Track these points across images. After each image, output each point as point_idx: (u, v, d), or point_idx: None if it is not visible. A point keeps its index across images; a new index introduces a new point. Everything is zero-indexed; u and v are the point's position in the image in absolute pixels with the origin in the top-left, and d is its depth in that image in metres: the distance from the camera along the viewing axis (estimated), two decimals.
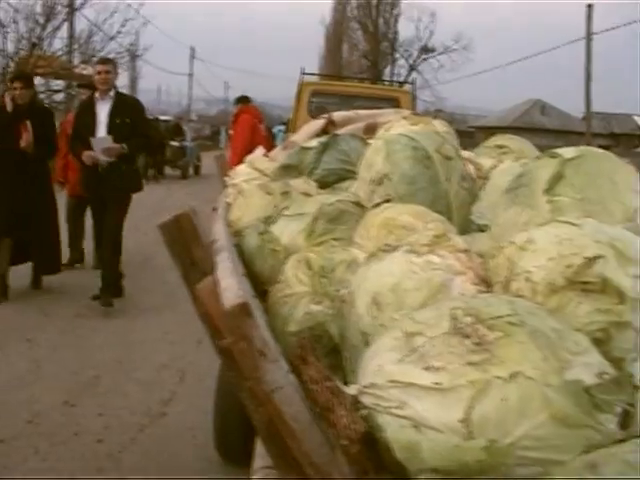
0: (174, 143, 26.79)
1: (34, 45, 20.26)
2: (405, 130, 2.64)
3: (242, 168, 3.60)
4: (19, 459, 4.37)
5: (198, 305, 1.67)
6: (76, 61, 22.55)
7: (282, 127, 24.82)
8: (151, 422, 5.02)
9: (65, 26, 22.40)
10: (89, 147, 7.62)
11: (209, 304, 1.52)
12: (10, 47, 20.06)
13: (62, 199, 9.49)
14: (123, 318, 7.39)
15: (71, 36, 23.15)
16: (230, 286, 1.52)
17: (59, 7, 21.19)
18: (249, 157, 4.40)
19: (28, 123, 7.74)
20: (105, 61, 8.54)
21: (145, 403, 5.29)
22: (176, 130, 28.52)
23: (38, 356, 6.11)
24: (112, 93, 7.86)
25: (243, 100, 12.88)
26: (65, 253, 8.99)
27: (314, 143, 3.25)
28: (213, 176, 23.96)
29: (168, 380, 5.79)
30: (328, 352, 1.88)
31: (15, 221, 7.76)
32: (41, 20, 20.36)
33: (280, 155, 3.83)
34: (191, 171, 29.01)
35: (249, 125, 12.23)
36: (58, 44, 21.86)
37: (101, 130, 7.72)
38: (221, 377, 3.95)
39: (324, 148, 3.14)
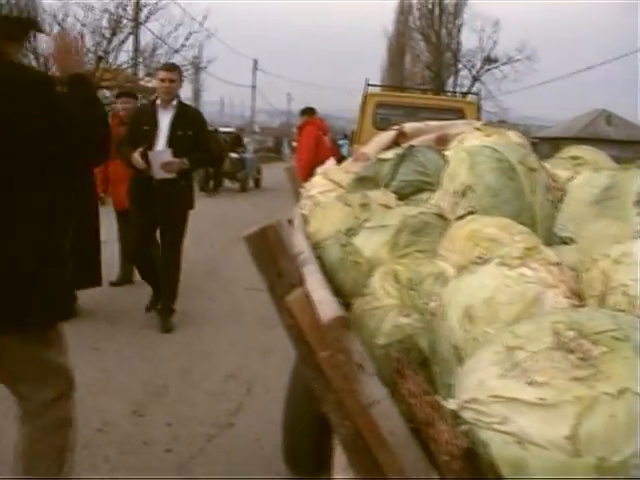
0: (234, 155, 26.10)
1: (100, 58, 20.68)
2: (488, 142, 2.61)
3: (317, 180, 3.59)
4: (89, 467, 4.40)
5: (287, 317, 1.66)
6: (141, 74, 22.95)
7: (345, 140, 24.88)
8: (219, 432, 5.04)
9: (130, 39, 22.83)
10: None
11: (300, 316, 1.52)
12: None
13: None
14: (189, 328, 7.43)
15: (136, 49, 23.58)
16: (325, 299, 1.52)
17: (125, 21, 21.66)
18: (321, 169, 4.41)
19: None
20: (170, 68, 7.66)
21: (213, 413, 5.32)
22: (236, 142, 27.90)
23: (107, 365, 6.18)
24: (175, 102, 7.30)
25: (308, 112, 12.96)
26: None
27: (390, 155, 3.24)
28: (275, 189, 24.12)
29: (235, 390, 5.82)
30: (417, 365, 1.86)
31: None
32: (107, 34, 20.85)
33: (352, 167, 3.82)
34: (251, 184, 28.08)
35: (313, 137, 12.33)
36: (123, 57, 22.37)
37: (161, 141, 7.14)
38: (291, 388, 3.93)
39: (400, 160, 3.12)
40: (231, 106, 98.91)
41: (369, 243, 2.39)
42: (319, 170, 4.48)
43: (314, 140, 12.27)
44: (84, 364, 6.17)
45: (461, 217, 2.36)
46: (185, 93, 29.71)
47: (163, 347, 6.79)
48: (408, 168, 3.09)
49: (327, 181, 3.44)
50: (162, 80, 7.23)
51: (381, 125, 13.27)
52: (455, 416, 1.37)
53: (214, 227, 14.46)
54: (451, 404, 1.39)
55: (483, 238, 2.10)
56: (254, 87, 64.30)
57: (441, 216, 2.49)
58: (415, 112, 13.28)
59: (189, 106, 8.14)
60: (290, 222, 3.22)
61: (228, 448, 4.82)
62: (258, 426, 5.10)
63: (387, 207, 2.74)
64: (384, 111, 13.82)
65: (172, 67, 7.75)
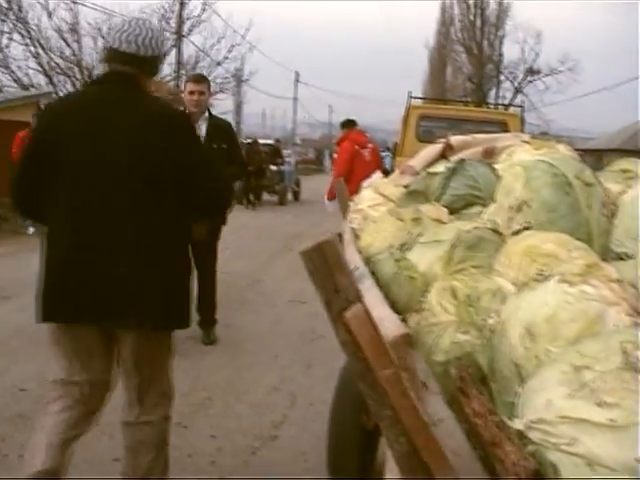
0: (272, 167, 25.87)
1: None
2: (543, 156, 2.59)
3: (366, 193, 3.58)
4: None
5: (343, 333, 1.66)
6: (183, 86, 23.13)
7: (387, 152, 24.79)
8: (263, 445, 5.03)
9: (173, 52, 23.07)
10: None
11: (359, 333, 1.51)
12: None
13: None
14: (232, 341, 7.44)
15: (179, 62, 23.81)
16: (386, 316, 1.51)
17: (168, 34, 21.85)
18: (368, 182, 4.40)
19: None
20: (199, 79, 7.34)
21: (257, 426, 5.32)
22: (275, 154, 27.54)
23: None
24: (206, 115, 7.01)
25: (348, 124, 12.97)
26: None
27: (440, 168, 3.22)
28: (315, 202, 24.04)
29: (279, 403, 5.81)
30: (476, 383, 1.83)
31: None
32: None
33: (399, 180, 3.81)
34: (290, 196, 27.58)
35: (349, 152, 12.37)
36: (166, 69, 22.58)
37: None
38: (336, 401, 3.91)
39: (451, 173, 3.10)
40: (273, 118, 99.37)
41: (423, 258, 2.38)
42: (365, 184, 4.48)
43: (349, 155, 12.34)
44: None
45: (517, 232, 2.34)
46: (227, 105, 29.85)
47: (207, 359, 6.81)
48: (459, 182, 3.07)
49: (376, 195, 3.43)
50: (191, 93, 6.89)
51: (424, 137, 13.25)
52: (521, 436, 1.35)
53: (256, 239, 14.53)
54: (517, 424, 1.37)
55: (540, 254, 2.07)
56: (296, 99, 64.63)
57: (496, 231, 2.47)
58: (458, 124, 13.25)
59: (220, 118, 7.80)
60: (340, 236, 3.21)
61: (272, 461, 4.81)
62: (302, 439, 5.09)
63: (439, 221, 2.72)
64: (427, 123, 13.80)
65: (201, 78, 7.53)
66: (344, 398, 3.76)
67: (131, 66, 3.45)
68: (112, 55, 3.46)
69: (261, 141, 29.91)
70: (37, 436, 3.47)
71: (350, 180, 12.74)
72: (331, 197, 12.57)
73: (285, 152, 30.59)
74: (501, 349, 1.72)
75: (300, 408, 5.73)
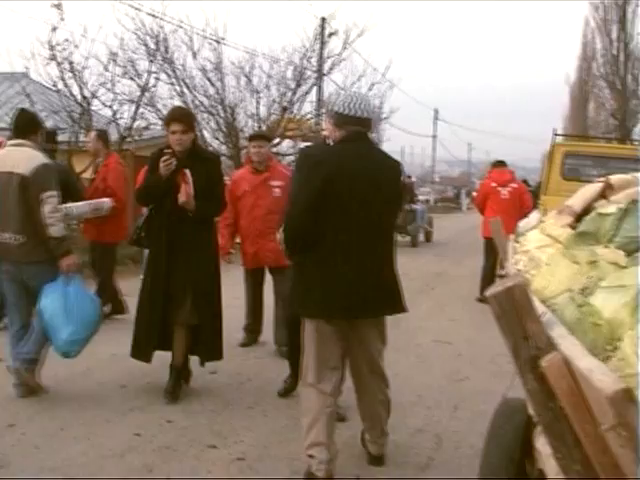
0: (404, 206, 24.94)
1: (285, 109, 21.34)
2: None
3: (533, 234, 3.49)
4: None
5: (533, 381, 1.59)
6: (324, 124, 23.38)
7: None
8: None
9: (314, 90, 23.39)
10: None
11: (556, 382, 1.44)
12: (263, 111, 21.29)
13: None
14: None
15: (319, 100, 24.11)
16: (596, 367, 1.43)
17: (309, 72, 22.19)
18: (524, 222, 4.30)
19: (187, 173, 6.44)
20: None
21: (401, 467, 5.26)
22: (407, 192, 26.72)
23: (296, 413, 6.22)
24: None
25: (495, 164, 13.19)
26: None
27: (612, 209, 3.09)
28: (448, 242, 23.78)
29: (424, 445, 5.72)
30: None
31: (164, 301, 6.48)
32: (292, 85, 21.45)
33: (558, 220, 3.69)
34: (421, 237, 25.88)
35: (482, 190, 13.23)
36: (307, 107, 22.91)
37: None
38: (491, 447, 3.76)
39: (624, 214, 2.97)
40: (411, 155, 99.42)
41: (608, 304, 2.26)
42: (521, 224, 4.38)
43: (482, 193, 13.10)
44: (273, 411, 6.27)
45: None
46: None
47: (350, 397, 6.76)
48: (632, 224, 2.93)
49: (543, 236, 3.33)
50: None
51: (569, 176, 12.93)
52: None
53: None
54: None
55: None
56: (435, 137, 64.50)
57: None
58: (604, 162, 12.88)
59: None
60: (502, 277, 3.13)
61: None
62: None
63: (617, 265, 2.59)
64: (572, 161, 13.43)
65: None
66: (500, 445, 3.63)
67: (363, 127, 4.77)
68: (349, 120, 4.70)
69: None
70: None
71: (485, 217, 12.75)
72: (486, 235, 12.51)
73: (423, 190, 30.08)
74: None
75: (446, 451, 5.63)
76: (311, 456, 4.76)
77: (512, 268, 3.13)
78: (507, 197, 12.63)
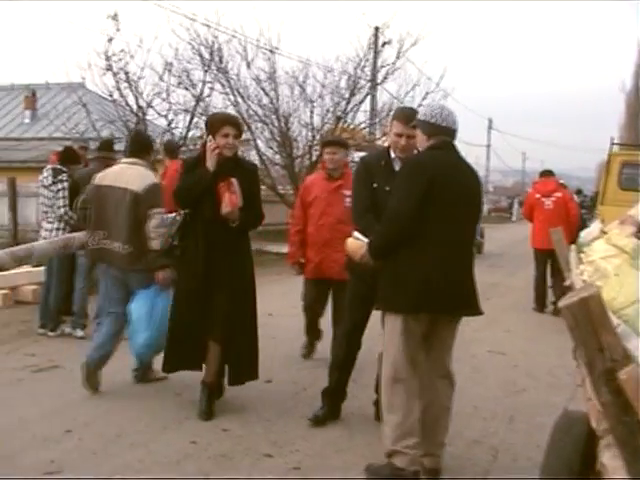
0: None
1: (339, 119, 21.35)
2: None
3: (599, 244, 3.44)
4: None
5: (608, 393, 1.56)
6: (377, 134, 23.37)
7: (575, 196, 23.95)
8: None
9: (368, 100, 23.34)
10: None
11: (637, 395, 1.41)
12: (317, 121, 21.32)
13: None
14: None
15: (373, 109, 24.06)
16: None
17: (362, 82, 22.15)
18: (586, 232, 4.24)
19: (235, 182, 6.15)
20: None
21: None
22: None
23: (351, 423, 6.21)
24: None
25: (543, 173, 13.09)
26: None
27: None
28: (500, 254, 23.41)
29: (481, 457, 5.64)
30: None
31: (201, 318, 6.22)
32: (346, 95, 21.44)
33: (623, 230, 3.64)
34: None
35: (527, 201, 13.40)
36: (361, 117, 22.87)
37: None
38: (552, 460, 3.68)
39: None
40: None
41: None
42: (583, 234, 4.32)
43: (528, 206, 13.19)
44: (331, 421, 6.24)
45: None
46: None
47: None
48: None
49: (609, 246, 3.28)
50: (399, 135, 5.41)
51: (626, 185, 12.74)
52: None
53: None
54: None
55: None
56: (489, 146, 63.98)
57: None
58: None
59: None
60: (567, 288, 3.09)
61: None
62: None
63: None
64: (630, 171, 13.23)
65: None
66: (560, 458, 3.57)
67: (451, 137, 5.04)
68: (440, 130, 4.95)
69: None
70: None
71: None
72: (535, 246, 12.49)
73: None
74: None
75: (503, 463, 5.55)
76: (401, 452, 4.81)
77: (577, 279, 3.09)
78: (551, 207, 12.52)
